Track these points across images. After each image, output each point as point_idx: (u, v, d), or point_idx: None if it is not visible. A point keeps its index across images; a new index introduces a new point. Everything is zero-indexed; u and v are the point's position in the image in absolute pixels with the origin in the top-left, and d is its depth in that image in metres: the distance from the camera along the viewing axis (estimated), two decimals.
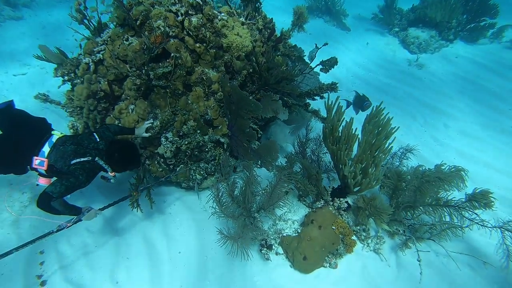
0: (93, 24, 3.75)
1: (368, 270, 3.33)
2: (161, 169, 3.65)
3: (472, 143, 5.48)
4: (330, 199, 3.65)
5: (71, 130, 3.95)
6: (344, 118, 3.55)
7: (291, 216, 3.67)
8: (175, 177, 3.71)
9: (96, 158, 2.85)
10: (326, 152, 4.06)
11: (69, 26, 3.95)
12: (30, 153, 2.78)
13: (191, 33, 3.40)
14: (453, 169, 3.55)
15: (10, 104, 3.03)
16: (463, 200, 3.35)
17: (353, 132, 3.46)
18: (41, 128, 2.95)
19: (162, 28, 3.30)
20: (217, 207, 3.08)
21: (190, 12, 3.45)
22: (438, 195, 3.53)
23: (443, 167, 3.63)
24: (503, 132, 5.69)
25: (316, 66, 3.92)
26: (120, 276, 3.17)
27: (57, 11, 8.29)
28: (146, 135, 3.41)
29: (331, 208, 3.57)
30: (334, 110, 3.55)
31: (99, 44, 3.62)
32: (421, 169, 3.73)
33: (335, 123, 3.52)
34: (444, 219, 3.45)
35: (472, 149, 5.33)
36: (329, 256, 3.31)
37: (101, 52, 3.56)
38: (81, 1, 3.62)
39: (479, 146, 5.40)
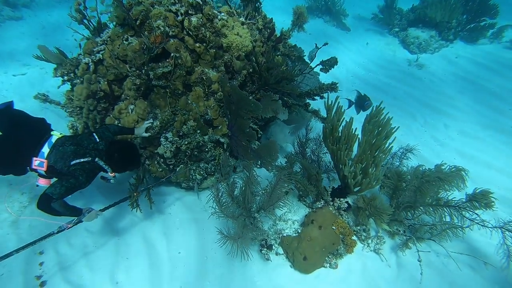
0: (92, 24, 3.74)
1: (368, 270, 3.32)
2: (161, 169, 3.64)
3: (472, 143, 5.48)
4: (330, 199, 3.64)
5: (71, 130, 3.95)
6: (344, 118, 3.54)
7: (291, 216, 3.67)
8: (175, 177, 3.70)
9: (96, 159, 2.84)
10: (326, 152, 4.05)
11: (68, 26, 3.95)
12: (29, 154, 2.77)
13: (191, 33, 3.40)
14: (453, 169, 3.54)
15: (9, 104, 3.03)
16: (464, 200, 3.35)
17: (353, 132, 3.46)
18: (41, 129, 2.95)
19: (162, 28, 3.29)
20: (217, 207, 3.08)
21: (190, 12, 3.44)
22: (439, 195, 3.53)
23: (443, 167, 3.63)
24: (503, 132, 5.69)
25: (316, 66, 3.92)
26: (120, 277, 3.16)
27: (57, 11, 8.29)
28: (146, 135, 3.41)
29: (331, 208, 3.57)
30: (334, 110, 3.55)
31: (98, 44, 3.62)
32: (421, 169, 3.73)
33: (335, 123, 3.52)
34: (444, 219, 3.45)
35: (472, 149, 5.33)
36: (330, 256, 3.30)
37: (101, 52, 3.56)
38: (80, 1, 3.62)
39: (479, 146, 5.40)
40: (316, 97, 4.09)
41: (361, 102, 3.75)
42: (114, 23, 3.59)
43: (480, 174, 4.71)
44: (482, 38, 8.75)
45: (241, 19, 3.99)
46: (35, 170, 2.83)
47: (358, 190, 3.40)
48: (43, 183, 2.93)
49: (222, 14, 3.77)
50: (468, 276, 3.33)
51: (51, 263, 3.21)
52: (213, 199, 3.07)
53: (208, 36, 3.44)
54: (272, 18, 4.47)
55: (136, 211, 3.41)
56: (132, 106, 3.56)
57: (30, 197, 3.74)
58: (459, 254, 3.41)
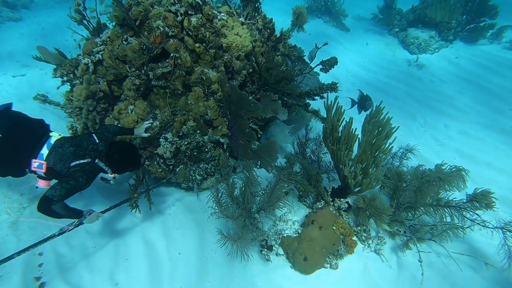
0: (92, 24, 3.73)
1: (369, 271, 3.31)
2: (160, 170, 3.63)
3: (472, 143, 5.47)
4: (331, 199, 3.63)
5: (70, 131, 3.94)
6: (344, 118, 3.53)
7: (291, 216, 3.65)
8: (175, 178, 3.69)
9: (96, 160, 2.83)
10: (326, 152, 4.04)
11: (68, 27, 3.95)
12: (28, 156, 2.76)
13: (190, 33, 3.39)
14: (453, 169, 3.53)
15: (8, 106, 3.02)
16: (464, 200, 3.34)
17: (353, 132, 3.45)
18: (39, 130, 2.93)
19: (162, 28, 3.29)
20: (216, 207, 3.06)
21: (189, 12, 3.44)
22: (439, 196, 3.52)
23: (443, 167, 3.62)
24: (503, 132, 5.68)
25: (316, 66, 3.91)
26: (119, 278, 3.14)
27: (56, 12, 8.30)
28: (146, 135, 3.40)
29: (331, 209, 3.56)
30: (334, 110, 3.54)
31: (98, 45, 3.61)
32: (421, 169, 3.72)
33: (335, 123, 3.51)
34: (445, 220, 3.43)
35: (472, 149, 5.32)
36: (330, 256, 3.29)
37: (100, 53, 3.55)
38: (80, 2, 3.61)
39: (480, 146, 5.39)
40: (316, 97, 4.08)
41: (363, 102, 3.74)
42: (114, 23, 3.58)
43: (480, 174, 4.70)
44: (482, 39, 8.74)
45: (240, 19, 3.99)
46: (34, 172, 2.82)
47: (359, 190, 3.39)
48: (42, 184, 2.92)
49: (222, 14, 3.76)
50: (469, 276, 3.32)
51: (51, 264, 3.20)
52: (213, 199, 3.06)
53: (207, 36, 3.44)
54: (272, 18, 4.47)
55: (136, 212, 3.40)
56: (131, 107, 3.56)
57: (30, 198, 3.73)
58: (460, 254, 3.39)
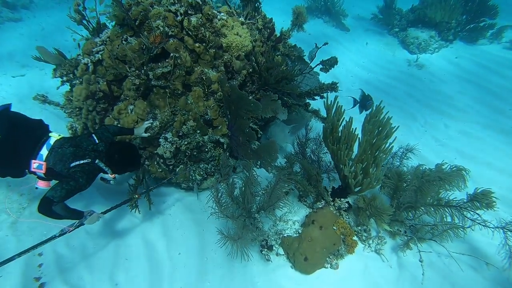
0: (91, 24, 3.73)
1: (369, 271, 3.30)
2: (160, 170, 3.62)
3: (472, 143, 5.46)
4: (331, 199, 3.62)
5: (70, 131, 3.94)
6: (344, 118, 3.53)
7: (291, 216, 3.65)
8: (175, 178, 3.69)
9: (96, 160, 2.83)
10: (326, 152, 4.04)
11: (68, 27, 3.95)
12: (28, 157, 2.75)
13: (190, 33, 3.39)
14: (454, 168, 3.53)
15: (7, 107, 3.00)
16: (465, 200, 3.33)
17: (353, 132, 3.44)
18: (39, 131, 2.92)
19: (161, 28, 3.28)
20: (216, 207, 3.06)
21: (189, 12, 3.43)
22: (439, 195, 3.51)
23: (444, 167, 3.61)
24: (503, 132, 5.68)
25: (316, 66, 3.91)
26: (119, 278, 3.14)
27: (56, 12, 8.30)
28: (146, 135, 3.40)
29: (332, 209, 3.55)
30: (334, 109, 3.53)
31: (98, 45, 3.60)
32: (421, 168, 3.71)
33: (335, 123, 3.50)
34: (445, 220, 3.43)
35: (472, 149, 5.32)
36: (330, 256, 3.28)
37: (100, 53, 3.55)
38: (79, 2, 3.61)
39: (480, 146, 5.39)
40: (316, 97, 4.07)
41: (364, 102, 3.74)
42: (113, 23, 3.58)
43: (481, 174, 4.69)
44: (482, 39, 8.74)
45: (240, 19, 3.99)
46: (34, 173, 2.81)
47: (359, 190, 3.38)
48: (42, 185, 2.91)
49: (222, 14, 3.76)
50: (470, 276, 3.31)
51: (51, 265, 3.19)
52: (213, 199, 3.06)
53: (207, 36, 3.43)
54: (271, 18, 4.46)
55: (135, 212, 3.40)
56: (131, 107, 3.55)
57: (29, 198, 3.72)
58: (460, 254, 3.39)
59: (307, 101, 4.36)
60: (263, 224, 3.45)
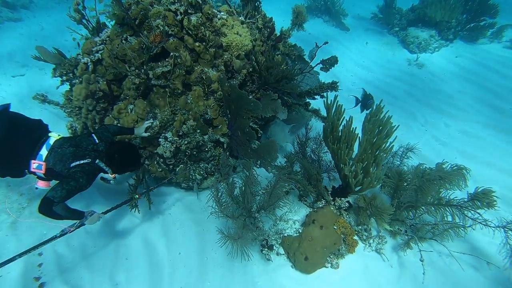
0: (91, 23, 3.72)
1: (370, 270, 3.29)
2: (160, 169, 3.62)
3: (473, 142, 5.46)
4: (331, 198, 3.62)
5: (69, 131, 3.93)
6: (344, 117, 3.52)
7: (292, 216, 3.64)
8: (175, 178, 3.68)
9: (97, 160, 2.82)
10: (327, 151, 4.03)
11: (67, 27, 3.94)
12: (27, 157, 2.74)
13: (190, 32, 3.38)
14: (455, 167, 3.52)
15: (6, 107, 2.98)
16: (465, 199, 3.32)
17: (353, 131, 3.43)
18: (38, 131, 2.90)
19: (161, 27, 3.28)
20: (216, 207, 3.05)
21: (189, 11, 3.42)
22: (440, 195, 3.50)
23: (444, 166, 3.60)
24: (504, 131, 5.67)
25: (316, 65, 3.90)
26: (119, 278, 3.13)
27: (56, 12, 8.30)
28: (146, 135, 3.39)
29: (332, 208, 3.54)
30: (334, 109, 3.52)
31: (97, 44, 3.60)
32: (422, 168, 3.70)
33: (335, 122, 3.50)
34: (446, 219, 3.42)
35: (473, 148, 5.31)
36: (331, 256, 3.27)
37: (100, 52, 3.54)
38: (79, 1, 3.61)
39: (480, 145, 5.38)
40: (316, 96, 4.07)
41: (365, 101, 3.73)
42: (113, 22, 3.57)
43: (481, 173, 4.68)
44: (482, 38, 8.73)
45: (240, 18, 3.98)
46: (34, 173, 2.80)
47: (359, 189, 3.38)
48: (42, 185, 2.90)
49: (222, 13, 3.75)
50: (471, 276, 3.30)
51: (50, 265, 3.19)
52: (213, 199, 3.05)
53: (207, 35, 3.42)
54: (271, 17, 4.46)
55: (135, 212, 3.39)
56: (131, 106, 3.54)
57: (29, 198, 3.71)
58: (461, 253, 3.38)
59: (307, 100, 4.35)
60: (263, 223, 3.44)
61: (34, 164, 2.73)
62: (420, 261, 3.28)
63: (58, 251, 3.29)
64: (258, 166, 4.12)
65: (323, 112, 3.94)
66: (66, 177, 2.67)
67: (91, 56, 3.55)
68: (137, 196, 3.23)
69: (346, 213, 3.61)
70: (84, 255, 3.29)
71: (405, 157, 4.16)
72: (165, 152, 3.41)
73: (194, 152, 3.56)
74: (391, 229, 3.56)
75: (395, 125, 3.33)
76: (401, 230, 3.60)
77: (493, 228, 3.15)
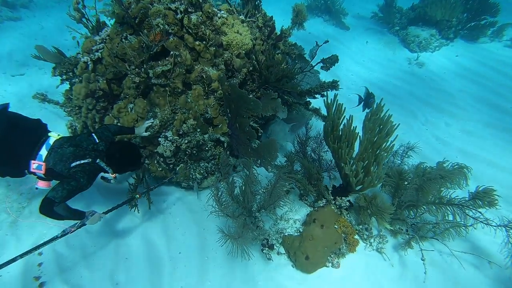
0: (91, 22, 3.71)
1: (371, 270, 3.28)
2: (160, 169, 3.61)
3: (474, 141, 5.45)
4: (332, 198, 3.61)
5: (69, 130, 3.92)
6: (344, 116, 3.51)
7: (292, 215, 3.63)
8: (175, 178, 3.67)
9: (97, 160, 2.80)
10: (327, 151, 4.02)
11: (67, 26, 3.93)
12: (27, 157, 2.72)
13: (190, 31, 3.37)
14: (456, 166, 3.51)
15: (5, 107, 2.96)
16: (467, 198, 3.31)
17: (353, 130, 3.42)
18: (37, 131, 2.88)
19: (161, 26, 3.26)
20: (217, 206, 3.04)
21: (189, 9, 3.41)
22: (441, 194, 3.49)
23: (445, 165, 3.59)
24: (505, 130, 5.66)
25: (316, 64, 3.89)
26: (120, 277, 3.12)
27: (56, 11, 8.29)
28: (146, 134, 3.38)
29: (333, 207, 3.53)
30: (334, 108, 3.51)
31: (97, 43, 3.59)
32: (422, 166, 3.69)
33: (336, 121, 3.48)
34: (447, 218, 3.41)
35: (474, 147, 5.30)
36: (332, 255, 3.26)
37: (100, 51, 3.53)
38: (79, 0, 3.59)
39: (481, 144, 5.37)
40: (317, 95, 4.05)
41: (367, 100, 3.72)
42: (113, 20, 3.56)
43: (482, 172, 4.68)
44: (483, 37, 8.73)
45: (241, 17, 3.97)
46: (34, 173, 2.79)
47: (360, 188, 3.37)
48: (42, 185, 2.88)
49: (222, 12, 3.74)
50: (472, 275, 3.29)
51: (50, 264, 3.18)
52: (213, 198, 3.04)
53: (208, 34, 3.41)
54: (272, 16, 4.45)
55: (135, 211, 3.38)
56: (131, 105, 3.53)
57: (29, 197, 3.70)
58: (462, 253, 3.37)
59: (308, 99, 4.34)
60: (264, 223, 3.43)
61: (34, 165, 2.71)
62: (421, 260, 3.27)
63: (58, 251, 3.28)
64: (258, 165, 4.11)
65: (324, 111, 3.93)
66: (66, 177, 2.66)
67: (91, 55, 3.54)
68: (137, 195, 3.22)
69: (347, 212, 3.60)
70: (84, 254, 3.28)
71: (406, 156, 4.15)
72: (165, 151, 3.40)
73: (194, 151, 3.55)
74: (392, 228, 3.55)
75: (396, 124, 3.32)
76: (402, 229, 3.59)
77: (494, 227, 3.15)
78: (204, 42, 3.43)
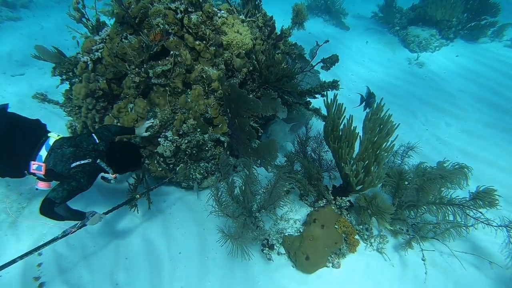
0: (91, 22, 3.71)
1: (371, 270, 3.27)
2: (160, 169, 3.60)
3: (474, 141, 5.44)
4: (332, 198, 3.60)
5: (69, 130, 3.91)
6: (344, 116, 3.50)
7: (292, 215, 3.62)
8: (175, 178, 3.67)
9: (98, 160, 2.79)
10: (327, 151, 4.01)
11: (67, 25, 3.92)
12: (26, 158, 2.71)
13: (190, 31, 3.36)
14: (456, 166, 3.50)
15: (4, 107, 2.95)
16: (467, 198, 3.31)
17: (353, 130, 3.41)
18: (37, 131, 2.87)
19: (161, 26, 3.26)
20: (216, 206, 3.03)
21: (189, 9, 3.41)
22: (441, 194, 3.49)
23: (445, 165, 3.59)
24: (505, 130, 5.65)
25: (316, 64, 3.88)
26: (119, 278, 3.11)
27: (55, 11, 8.29)
28: (146, 134, 3.37)
29: (333, 207, 3.52)
30: (334, 107, 3.50)
31: (97, 43, 3.58)
32: (423, 166, 3.68)
33: (336, 121, 3.48)
34: (447, 218, 3.40)
35: (474, 147, 5.29)
36: (332, 256, 3.25)
37: (100, 51, 3.53)
38: (79, 0, 3.59)
39: (482, 144, 5.37)
40: (317, 95, 4.05)
41: (368, 99, 3.72)
42: (113, 20, 3.55)
43: (483, 172, 4.67)
44: (483, 37, 8.72)
45: (241, 17, 3.96)
46: (33, 174, 2.78)
47: (361, 188, 3.36)
48: (42, 186, 2.88)
49: (222, 11, 3.74)
50: (473, 275, 3.28)
51: (50, 264, 3.17)
52: (213, 198, 3.03)
53: (208, 33, 3.41)
54: (272, 16, 4.44)
55: (134, 211, 3.37)
56: (131, 105, 3.53)
57: (28, 197, 3.69)
58: (463, 253, 3.36)
59: (308, 99, 4.34)
60: (264, 223, 3.43)
61: (33, 165, 2.70)
62: (422, 261, 3.26)
63: (58, 251, 3.27)
64: (258, 165, 4.10)
65: (324, 111, 3.93)
66: (67, 177, 2.65)
67: (91, 54, 3.53)
68: (138, 196, 3.22)
69: (347, 212, 3.59)
70: (84, 254, 3.27)
71: (406, 156, 4.14)
72: (165, 151, 3.39)
73: (194, 151, 3.54)
74: (392, 228, 3.55)
75: (396, 124, 3.31)
76: (402, 230, 3.58)
77: (495, 228, 3.14)
78: (204, 42, 3.43)
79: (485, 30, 8.67)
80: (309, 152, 4.12)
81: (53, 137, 2.85)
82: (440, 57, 8.20)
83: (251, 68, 3.83)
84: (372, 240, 3.47)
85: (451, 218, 3.38)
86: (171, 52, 3.36)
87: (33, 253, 2.66)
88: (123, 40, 3.42)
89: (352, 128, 3.39)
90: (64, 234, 2.75)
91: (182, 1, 3.37)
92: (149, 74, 3.33)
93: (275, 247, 3.36)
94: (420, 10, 8.66)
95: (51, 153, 2.73)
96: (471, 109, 6.30)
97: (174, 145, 3.41)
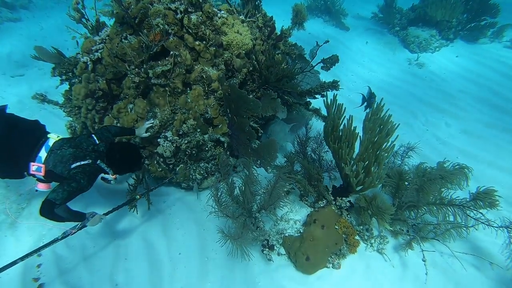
0: (91, 23, 3.70)
1: (372, 271, 3.27)
2: (160, 169, 3.59)
3: (474, 142, 5.44)
4: (332, 198, 3.59)
5: (69, 130, 3.91)
6: (344, 116, 3.50)
7: (293, 216, 3.61)
8: (175, 178, 3.66)
9: (98, 161, 2.79)
10: (327, 151, 4.00)
11: (67, 26, 3.92)
12: (26, 159, 2.70)
13: (190, 31, 3.36)
14: (456, 166, 3.50)
15: (3, 108, 2.94)
16: (467, 199, 3.30)
17: (353, 130, 3.41)
18: (36, 132, 2.86)
19: (161, 26, 3.25)
20: (216, 207, 3.03)
21: (189, 9, 3.40)
22: (442, 194, 3.48)
23: (445, 165, 3.58)
24: (505, 131, 5.65)
25: (317, 64, 3.88)
26: (119, 278, 3.10)
27: (55, 12, 8.30)
28: (146, 135, 3.36)
29: (333, 208, 3.52)
30: (334, 108, 3.50)
31: (97, 43, 3.58)
32: (423, 167, 3.68)
33: (336, 121, 3.47)
34: (448, 219, 3.40)
35: (474, 147, 5.29)
36: (332, 256, 3.25)
37: (99, 51, 3.52)
38: (79, 0, 3.58)
39: (482, 145, 5.36)
40: (317, 96, 4.05)
41: (369, 99, 3.72)
42: (113, 20, 3.55)
43: (483, 173, 4.67)
44: (483, 38, 8.73)
45: (241, 17, 3.96)
46: (33, 175, 2.77)
47: (361, 189, 3.35)
48: (42, 187, 2.87)
49: (222, 12, 3.74)
50: (473, 276, 3.28)
51: (50, 265, 3.16)
52: (213, 198, 3.02)
53: (208, 34, 3.40)
54: (272, 16, 4.44)
55: (133, 211, 3.36)
56: (131, 105, 3.52)
57: (28, 198, 3.68)
58: (463, 254, 3.36)
59: (308, 99, 4.33)
60: (264, 223, 3.42)
61: (33, 167, 2.69)
62: (422, 261, 3.25)
63: (57, 252, 3.26)
64: (258, 165, 4.10)
65: (324, 111, 3.92)
66: (66, 178, 2.64)
67: (91, 55, 3.53)
68: (138, 196, 3.21)
69: (347, 212, 3.59)
70: (84, 255, 3.26)
71: (406, 156, 4.13)
72: (165, 152, 3.39)
73: (194, 152, 3.54)
74: (393, 229, 3.54)
75: (396, 124, 3.30)
76: (402, 230, 3.58)
77: (495, 228, 3.13)
78: (204, 42, 3.43)
79: (485, 30, 8.68)
80: (309, 153, 4.12)
81: (52, 138, 2.83)
82: (440, 57, 8.20)
83: (251, 68, 3.83)
84: (373, 241, 3.46)
85: (451, 218, 3.37)
86: (171, 53, 3.36)
87: (33, 254, 2.64)
88: (123, 40, 3.41)
89: (352, 128, 3.38)
90: (64, 235, 2.74)
91: (182, 2, 3.36)
92: (149, 74, 3.33)
93: (275, 247, 3.35)
94: (420, 11, 8.67)
95: (51, 154, 2.72)
96: (471, 109, 6.30)
97: (174, 145, 3.40)
